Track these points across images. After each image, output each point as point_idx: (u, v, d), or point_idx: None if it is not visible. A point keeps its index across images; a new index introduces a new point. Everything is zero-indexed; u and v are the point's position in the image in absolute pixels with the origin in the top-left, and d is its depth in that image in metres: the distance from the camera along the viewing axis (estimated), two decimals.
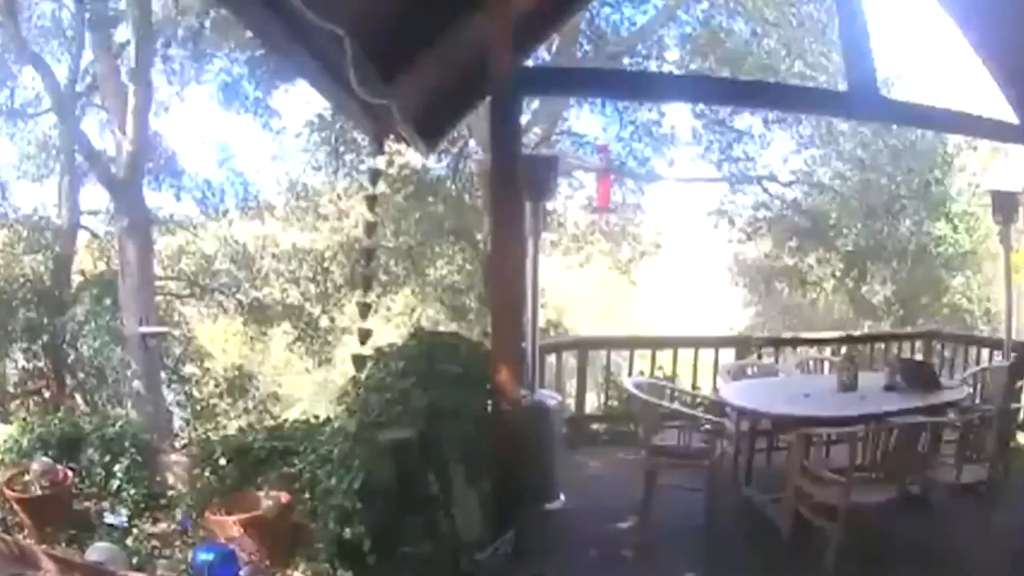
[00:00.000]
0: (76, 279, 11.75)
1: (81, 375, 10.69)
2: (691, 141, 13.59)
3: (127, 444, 5.44)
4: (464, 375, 4.00)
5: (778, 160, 13.82)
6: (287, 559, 4.25)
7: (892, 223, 13.70)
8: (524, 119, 9.38)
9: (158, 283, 12.19)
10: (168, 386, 11.59)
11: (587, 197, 13.18)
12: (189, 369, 12.37)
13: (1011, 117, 5.43)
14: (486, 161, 9.71)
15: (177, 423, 11.23)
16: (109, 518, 4.88)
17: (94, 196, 12.59)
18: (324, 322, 13.60)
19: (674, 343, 7.17)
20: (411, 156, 11.23)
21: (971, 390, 5.22)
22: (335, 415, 4.45)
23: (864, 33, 4.69)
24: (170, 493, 5.30)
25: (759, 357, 6.69)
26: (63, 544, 4.57)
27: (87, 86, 11.99)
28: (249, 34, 8.92)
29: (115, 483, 5.27)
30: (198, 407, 11.77)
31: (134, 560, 4.36)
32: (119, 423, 6.03)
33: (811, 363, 6.44)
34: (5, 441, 5.57)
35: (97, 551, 4.27)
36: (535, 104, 11.54)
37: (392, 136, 5.25)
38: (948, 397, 4.54)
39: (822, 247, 14.31)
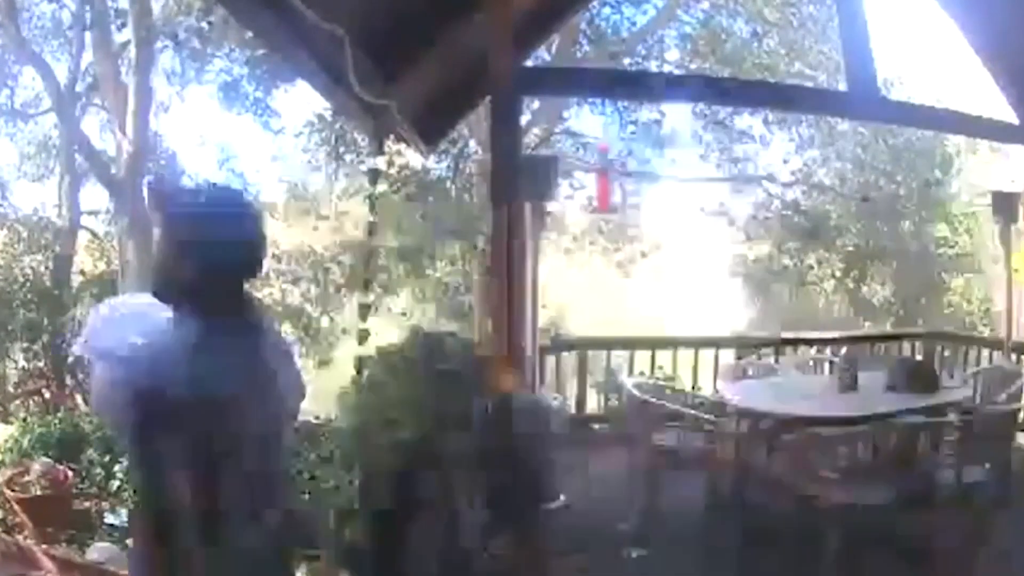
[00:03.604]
0: (76, 279, 11.76)
1: (81, 375, 10.69)
2: (691, 141, 13.62)
3: None
4: (464, 375, 3.99)
5: (778, 160, 13.85)
6: (286, 559, 4.25)
7: (892, 223, 13.70)
8: (524, 119, 9.39)
9: None
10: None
11: (587, 197, 13.18)
12: None
13: (1011, 117, 5.44)
14: (486, 161, 9.71)
15: None
16: (109, 518, 4.88)
17: (94, 196, 12.61)
18: (324, 323, 13.60)
19: (674, 343, 7.18)
20: (411, 156, 11.23)
21: (971, 390, 5.22)
22: (335, 415, 4.44)
23: (864, 33, 4.68)
24: None
25: (759, 357, 6.69)
26: (63, 544, 4.57)
27: (87, 86, 12.01)
28: (249, 34, 8.92)
29: (115, 483, 5.27)
30: None
31: None
32: None
33: (811, 363, 6.43)
34: (5, 441, 5.57)
35: (97, 551, 4.27)
36: (535, 104, 11.55)
37: (392, 136, 5.24)
38: (948, 397, 4.54)
39: (822, 247, 14.32)
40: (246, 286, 1.76)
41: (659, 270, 17.55)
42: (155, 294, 1.67)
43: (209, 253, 1.61)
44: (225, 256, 1.63)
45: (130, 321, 1.66)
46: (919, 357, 7.06)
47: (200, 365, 1.57)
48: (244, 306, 1.71)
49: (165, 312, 1.63)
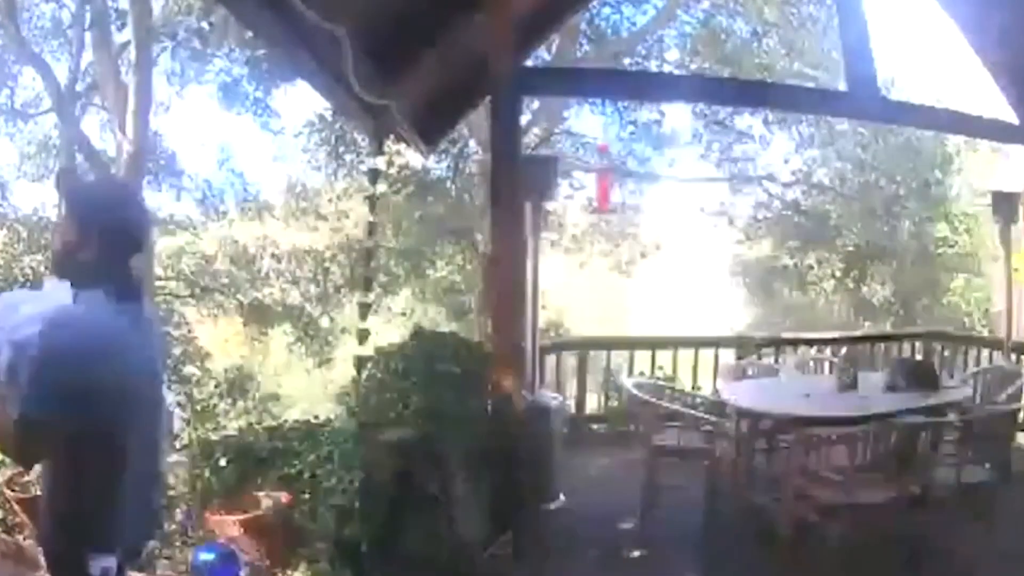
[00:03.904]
0: None
1: None
2: (691, 141, 13.63)
3: None
4: (464, 375, 4.00)
5: (778, 160, 13.86)
6: (287, 559, 4.25)
7: (892, 223, 13.70)
8: (524, 119, 9.39)
9: (158, 283, 12.20)
10: (168, 386, 11.58)
11: (587, 197, 13.20)
12: (189, 369, 12.37)
13: (1011, 117, 5.44)
14: (486, 161, 9.72)
15: (177, 423, 11.23)
16: None
17: None
18: (324, 322, 13.61)
19: (674, 343, 7.17)
20: (411, 156, 11.24)
21: (971, 390, 5.22)
22: (335, 415, 4.45)
23: (864, 33, 4.69)
24: (170, 493, 5.29)
25: (759, 357, 6.69)
26: None
27: (87, 86, 12.01)
28: (249, 34, 8.93)
29: None
30: (198, 407, 11.77)
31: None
32: None
33: (811, 363, 6.43)
34: None
35: None
36: (535, 104, 11.55)
37: (392, 136, 5.25)
38: (948, 397, 4.54)
39: (822, 247, 14.32)
40: (135, 270, 2.00)
41: (659, 270, 17.57)
42: (54, 270, 1.93)
43: (98, 230, 1.87)
44: (111, 233, 1.88)
45: (29, 308, 1.80)
46: (919, 357, 7.05)
47: (98, 346, 1.79)
48: (132, 284, 1.95)
49: (64, 298, 1.83)
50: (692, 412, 4.85)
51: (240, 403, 12.15)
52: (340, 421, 4.01)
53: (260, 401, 12.46)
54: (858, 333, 10.45)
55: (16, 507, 4.88)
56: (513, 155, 4.35)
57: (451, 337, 4.93)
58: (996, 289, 11.89)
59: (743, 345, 7.06)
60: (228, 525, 4.32)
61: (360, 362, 4.30)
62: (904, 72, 12.61)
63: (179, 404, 11.70)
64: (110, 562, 1.86)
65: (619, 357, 7.47)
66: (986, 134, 6.74)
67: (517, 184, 4.32)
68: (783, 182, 14.02)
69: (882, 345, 7.62)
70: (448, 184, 12.77)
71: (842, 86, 5.42)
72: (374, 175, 5.10)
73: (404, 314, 13.80)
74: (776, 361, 6.72)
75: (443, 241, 13.22)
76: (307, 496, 4.26)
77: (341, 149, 12.54)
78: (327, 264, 13.52)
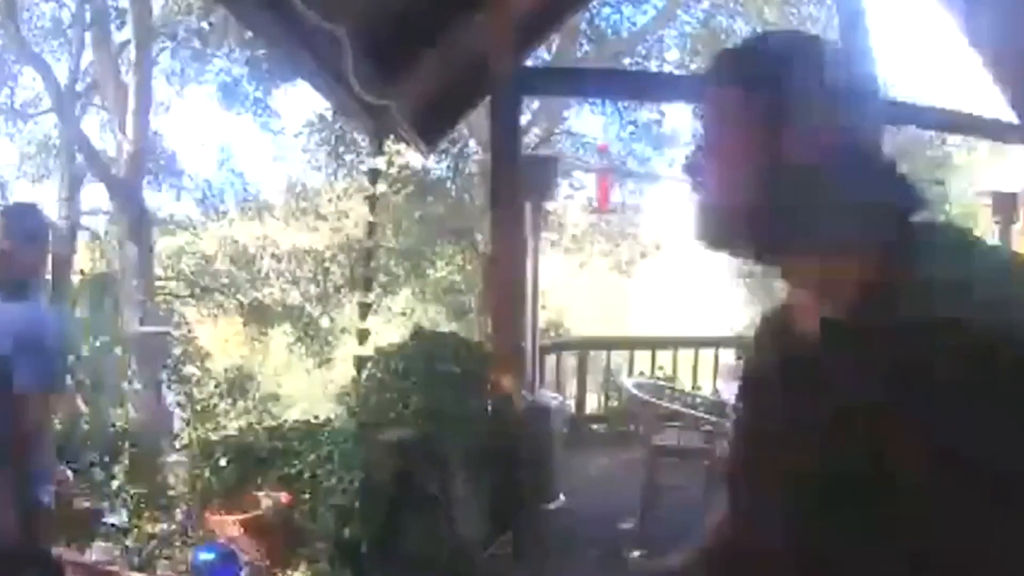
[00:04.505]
0: (76, 279, 11.74)
1: (80, 375, 10.67)
2: (691, 141, 13.60)
3: (127, 444, 5.43)
4: (464, 375, 4.00)
5: None
6: (287, 559, 4.25)
7: None
8: (524, 119, 9.39)
9: (158, 283, 12.20)
10: (168, 386, 11.57)
11: (587, 197, 13.18)
12: (189, 369, 12.36)
13: (1011, 117, 5.43)
14: (486, 161, 9.71)
15: (177, 423, 11.22)
16: (109, 518, 4.87)
17: (94, 196, 12.62)
18: (324, 322, 13.60)
19: (674, 343, 7.18)
20: (411, 156, 11.23)
21: None
22: (335, 415, 4.45)
23: (864, 33, 4.69)
24: (170, 493, 5.29)
25: None
26: (63, 544, 4.56)
27: (87, 86, 12.01)
28: (249, 34, 8.93)
29: (115, 483, 5.27)
30: (198, 407, 11.76)
31: (134, 560, 4.36)
32: (119, 423, 6.03)
33: None
34: None
35: (97, 551, 4.27)
36: (535, 104, 11.55)
37: (392, 136, 5.25)
38: None
39: None
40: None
41: (659, 270, 17.56)
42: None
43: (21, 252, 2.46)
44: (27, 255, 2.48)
45: None
46: None
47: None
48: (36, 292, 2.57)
49: None
50: (692, 412, 4.85)
51: (240, 403, 12.14)
52: (340, 421, 4.01)
53: (260, 401, 12.44)
54: None
55: None
56: (513, 155, 4.35)
57: (451, 337, 4.93)
58: None
59: (743, 345, 7.06)
60: (228, 525, 4.32)
61: (360, 362, 4.30)
62: (904, 72, 12.61)
63: (179, 404, 11.69)
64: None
65: (619, 357, 7.47)
66: (986, 134, 6.74)
67: (517, 184, 4.32)
68: None
69: None
70: (448, 184, 12.76)
71: None
72: (374, 175, 5.11)
73: (404, 314, 13.79)
74: None
75: (443, 241, 13.21)
76: (307, 496, 4.26)
77: (341, 149, 12.52)
78: (327, 264, 13.51)
